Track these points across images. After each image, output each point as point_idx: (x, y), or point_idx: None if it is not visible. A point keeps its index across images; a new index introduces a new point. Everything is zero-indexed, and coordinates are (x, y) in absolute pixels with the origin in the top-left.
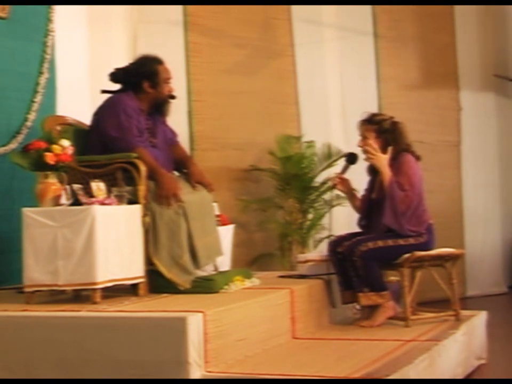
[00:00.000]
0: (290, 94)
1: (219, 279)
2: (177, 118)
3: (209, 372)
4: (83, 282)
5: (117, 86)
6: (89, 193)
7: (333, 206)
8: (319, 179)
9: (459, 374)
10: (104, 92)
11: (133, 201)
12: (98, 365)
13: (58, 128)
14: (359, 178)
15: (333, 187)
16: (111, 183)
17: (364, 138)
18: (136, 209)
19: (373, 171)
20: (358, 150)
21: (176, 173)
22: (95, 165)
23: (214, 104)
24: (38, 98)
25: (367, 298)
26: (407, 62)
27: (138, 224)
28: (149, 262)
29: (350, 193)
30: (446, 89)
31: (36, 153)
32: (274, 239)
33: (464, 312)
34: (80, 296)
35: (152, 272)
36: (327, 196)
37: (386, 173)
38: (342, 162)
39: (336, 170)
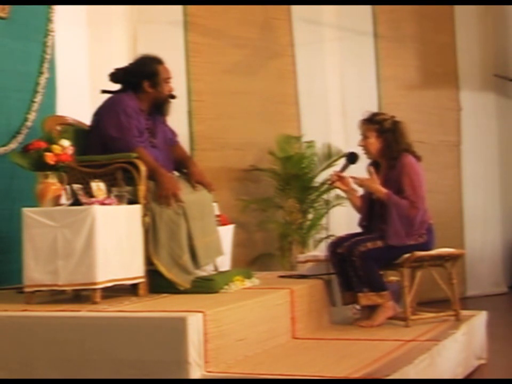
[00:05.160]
0: (290, 94)
1: (219, 279)
2: (177, 118)
3: (209, 371)
4: (83, 282)
5: (117, 86)
6: (89, 193)
7: (332, 206)
8: (319, 179)
9: (459, 374)
10: (104, 92)
11: (133, 201)
12: (98, 365)
13: (58, 128)
14: None
15: (331, 184)
16: (111, 183)
17: (365, 137)
18: (136, 209)
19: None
20: (358, 149)
21: (176, 173)
22: (95, 165)
23: (214, 104)
24: (38, 98)
25: (367, 298)
26: (407, 62)
27: (138, 224)
28: (149, 262)
29: (349, 191)
30: (446, 89)
31: (36, 153)
32: (274, 239)
33: (464, 312)
34: (80, 296)
35: (152, 272)
36: (326, 196)
37: (381, 191)
38: (342, 161)
39: (336, 169)
